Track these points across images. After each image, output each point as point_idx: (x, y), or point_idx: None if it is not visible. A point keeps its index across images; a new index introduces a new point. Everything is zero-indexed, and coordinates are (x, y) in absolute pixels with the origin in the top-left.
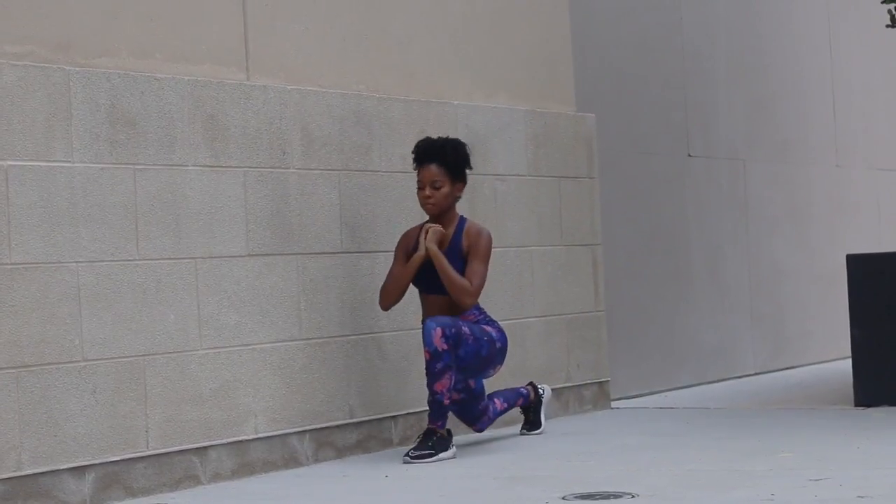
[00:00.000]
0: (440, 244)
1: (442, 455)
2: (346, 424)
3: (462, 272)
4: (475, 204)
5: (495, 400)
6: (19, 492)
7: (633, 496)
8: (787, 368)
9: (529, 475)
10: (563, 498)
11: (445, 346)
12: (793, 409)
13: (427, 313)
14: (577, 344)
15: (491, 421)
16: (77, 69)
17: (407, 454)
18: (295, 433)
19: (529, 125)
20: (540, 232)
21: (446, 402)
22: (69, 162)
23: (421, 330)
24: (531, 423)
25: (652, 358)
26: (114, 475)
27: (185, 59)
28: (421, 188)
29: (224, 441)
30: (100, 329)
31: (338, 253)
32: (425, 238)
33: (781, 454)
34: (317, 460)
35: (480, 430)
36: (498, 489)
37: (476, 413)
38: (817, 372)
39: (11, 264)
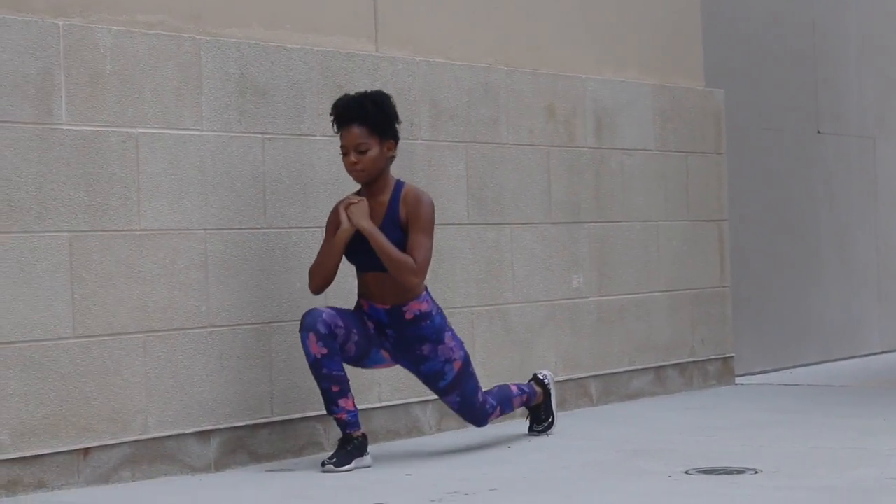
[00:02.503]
0: (375, 215)
1: (554, 407)
2: None
3: (402, 245)
4: (601, 177)
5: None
6: (145, 455)
7: (756, 472)
8: None
9: (652, 449)
10: (686, 472)
11: (498, 415)
12: None
13: (367, 293)
14: (701, 319)
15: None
16: (208, 39)
17: (529, 430)
18: (418, 402)
19: (657, 100)
20: (666, 207)
21: (525, 399)
22: (199, 130)
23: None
24: (342, 454)
25: (777, 334)
26: (238, 440)
27: (314, 30)
28: (345, 154)
29: None
30: (226, 296)
31: (464, 224)
32: (346, 214)
33: None
34: (440, 430)
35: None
36: (621, 462)
37: (350, 358)
38: None
39: (141, 230)
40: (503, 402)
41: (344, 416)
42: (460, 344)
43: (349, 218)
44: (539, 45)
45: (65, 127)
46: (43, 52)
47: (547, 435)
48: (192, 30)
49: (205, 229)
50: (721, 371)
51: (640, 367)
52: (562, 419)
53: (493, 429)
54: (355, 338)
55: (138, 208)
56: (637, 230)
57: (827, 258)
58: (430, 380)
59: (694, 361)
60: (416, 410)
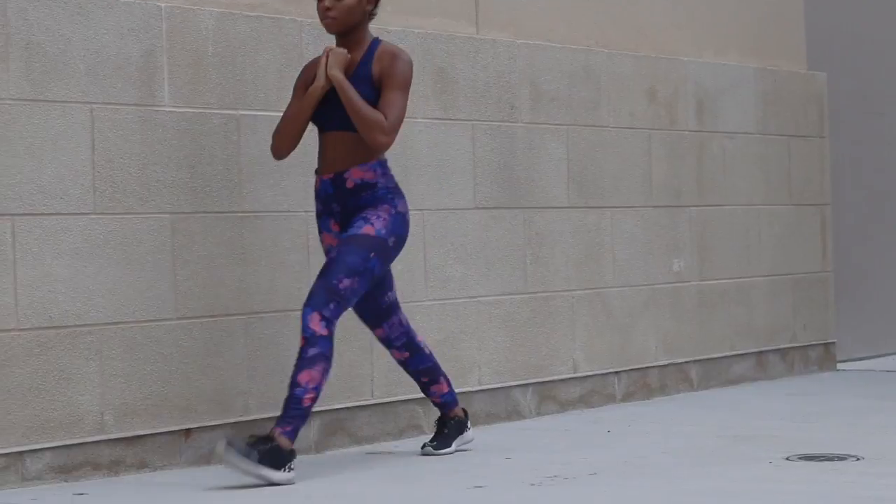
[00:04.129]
0: (346, 71)
1: (269, 475)
2: (570, 379)
3: (374, 105)
4: (703, 161)
5: (419, 337)
6: (246, 435)
7: (857, 459)
8: None
9: (753, 435)
10: (787, 458)
11: (325, 332)
12: None
13: (321, 162)
14: (803, 304)
15: (403, 331)
16: (309, 21)
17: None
18: (518, 386)
19: (759, 83)
20: (768, 190)
21: (307, 402)
22: None
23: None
24: (441, 437)
25: (880, 320)
26: (339, 422)
27: (415, 13)
28: (320, 0)
29: None
30: None
31: (564, 208)
32: (326, 64)
33: None
34: (539, 414)
35: (383, 337)
36: (722, 448)
37: (380, 310)
38: None
39: (242, 212)
40: (326, 346)
41: (438, 400)
42: (392, 229)
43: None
44: (640, 28)
45: (167, 109)
46: (146, 35)
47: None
48: (294, 12)
49: (306, 211)
50: (823, 357)
51: (741, 352)
52: (663, 403)
53: (592, 413)
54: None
55: (240, 190)
56: (738, 214)
57: None
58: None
59: (795, 347)
60: (517, 394)
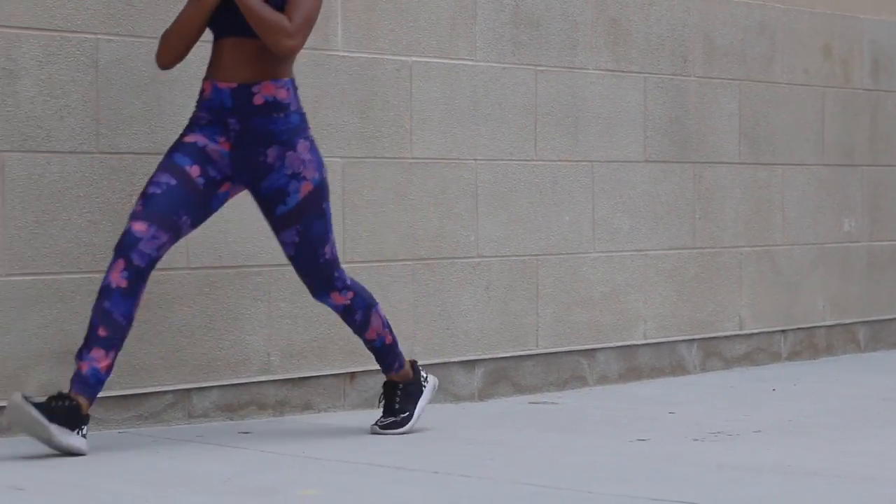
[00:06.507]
0: None
1: (419, 408)
2: (735, 336)
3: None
4: (877, 120)
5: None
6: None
7: None
8: None
9: None
10: None
11: (350, 295)
12: None
13: (216, 68)
14: None
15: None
16: None
17: (375, 423)
18: (683, 341)
19: None
20: None
21: (389, 340)
22: (472, 60)
23: None
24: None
25: None
26: (502, 371)
27: None
28: None
29: (612, 345)
30: (495, 227)
31: (735, 164)
32: None
33: None
34: (704, 369)
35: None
36: (887, 410)
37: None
38: None
39: (412, 159)
40: (362, 300)
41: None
42: (320, 164)
43: None
44: None
45: (341, 54)
46: None
47: (391, 433)
48: None
49: (475, 159)
50: None
51: None
52: (829, 364)
53: (757, 370)
54: (187, 219)
55: (410, 137)
56: None
57: None
58: (269, 205)
59: None
60: (682, 349)
